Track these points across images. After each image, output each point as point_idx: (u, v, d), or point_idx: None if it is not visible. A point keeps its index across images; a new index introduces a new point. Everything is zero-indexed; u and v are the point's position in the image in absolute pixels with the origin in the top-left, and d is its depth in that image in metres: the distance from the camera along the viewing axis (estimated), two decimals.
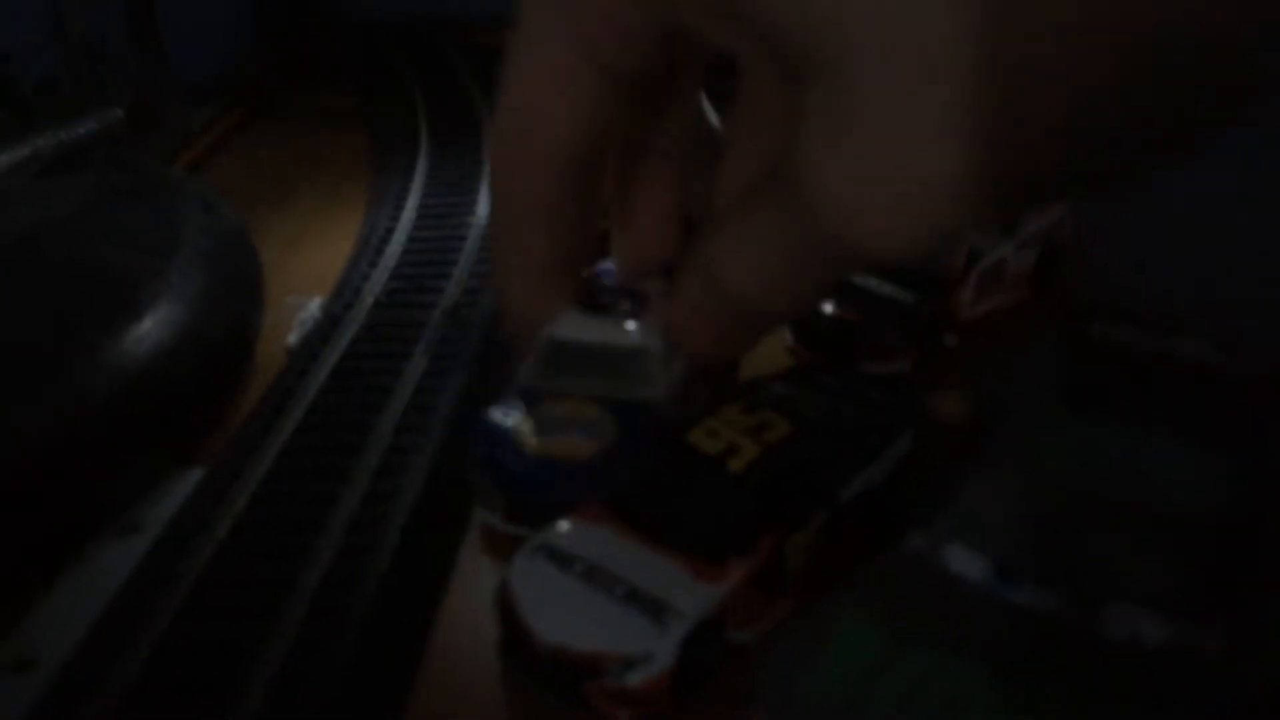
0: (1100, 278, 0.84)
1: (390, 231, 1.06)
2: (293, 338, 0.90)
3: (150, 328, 0.77)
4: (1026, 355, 0.65)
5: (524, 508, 0.66)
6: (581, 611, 0.53)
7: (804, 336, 0.82)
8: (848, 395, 0.67)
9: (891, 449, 0.62)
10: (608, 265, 0.84)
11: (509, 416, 0.68)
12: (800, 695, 0.44)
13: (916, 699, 0.42)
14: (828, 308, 0.81)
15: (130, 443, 0.72)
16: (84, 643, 0.59)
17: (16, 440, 0.66)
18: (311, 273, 1.02)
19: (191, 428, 0.78)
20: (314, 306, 0.94)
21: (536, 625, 0.53)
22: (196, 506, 0.68)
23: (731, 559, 0.54)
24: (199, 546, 0.64)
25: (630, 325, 0.74)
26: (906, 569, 0.49)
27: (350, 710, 0.54)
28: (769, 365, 0.77)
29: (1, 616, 0.62)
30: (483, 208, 1.09)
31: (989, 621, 0.45)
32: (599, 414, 0.68)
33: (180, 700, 0.54)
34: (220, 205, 1.01)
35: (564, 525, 0.58)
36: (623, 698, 0.51)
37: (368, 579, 0.61)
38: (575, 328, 0.74)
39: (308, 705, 0.53)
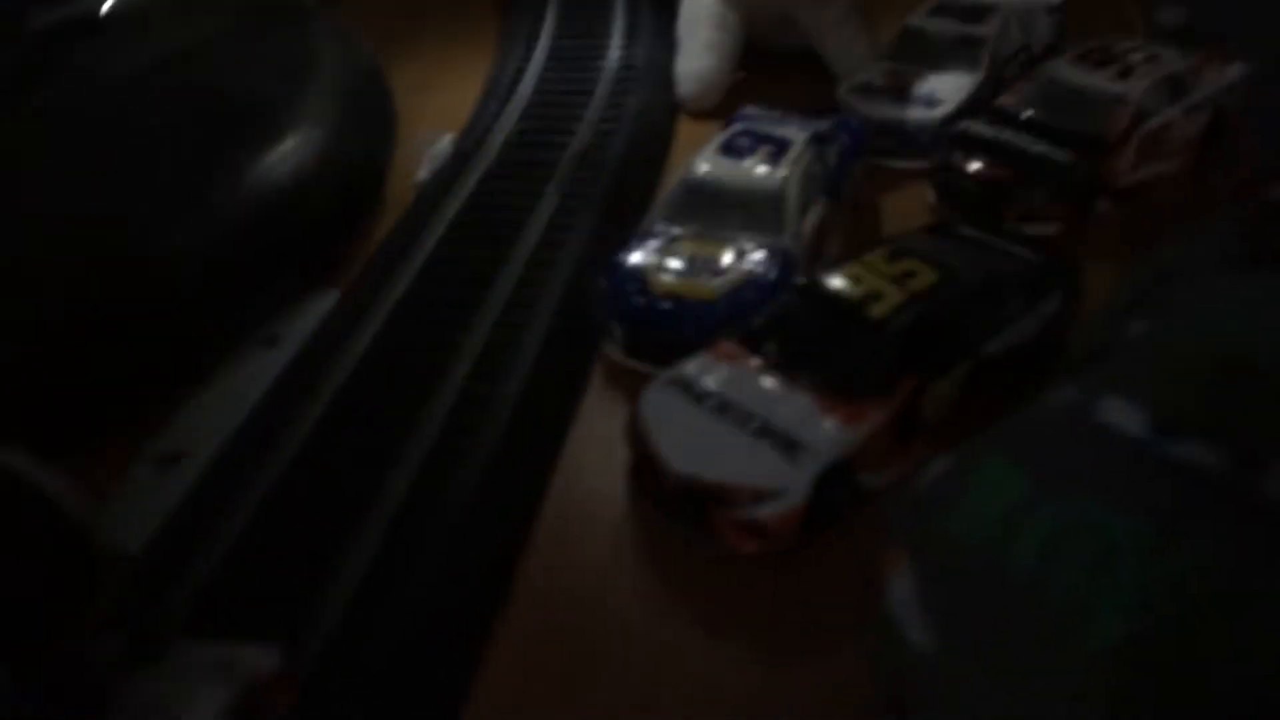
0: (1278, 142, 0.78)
1: (521, 72, 1.04)
2: (423, 172, 0.90)
3: (289, 151, 0.78)
4: (1198, 219, 0.61)
5: (647, 345, 0.65)
6: (713, 443, 0.53)
7: (948, 194, 0.79)
8: (995, 251, 0.64)
9: (1041, 306, 0.60)
10: (747, 111, 0.81)
11: (637, 255, 0.68)
12: (942, 532, 0.43)
13: (1062, 547, 0.41)
14: (975, 164, 0.77)
15: (269, 259, 0.74)
16: (230, 441, 0.62)
17: (164, 255, 0.68)
18: (442, 111, 1.02)
19: (327, 250, 0.80)
20: (445, 143, 0.93)
21: (667, 454, 0.53)
22: (334, 324, 0.70)
23: (869, 402, 0.53)
24: (337, 360, 0.66)
25: (766, 169, 0.72)
26: (1058, 418, 0.47)
27: (483, 517, 0.55)
28: (909, 222, 0.74)
29: (154, 415, 0.65)
30: (614, 53, 1.06)
31: (1144, 475, 0.43)
32: (729, 256, 0.67)
33: (322, 498, 0.56)
34: (354, 37, 1.01)
35: (697, 360, 0.58)
36: (751, 530, 0.51)
37: (501, 400, 0.62)
38: (710, 169, 0.72)
39: (442, 511, 0.55)
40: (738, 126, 0.78)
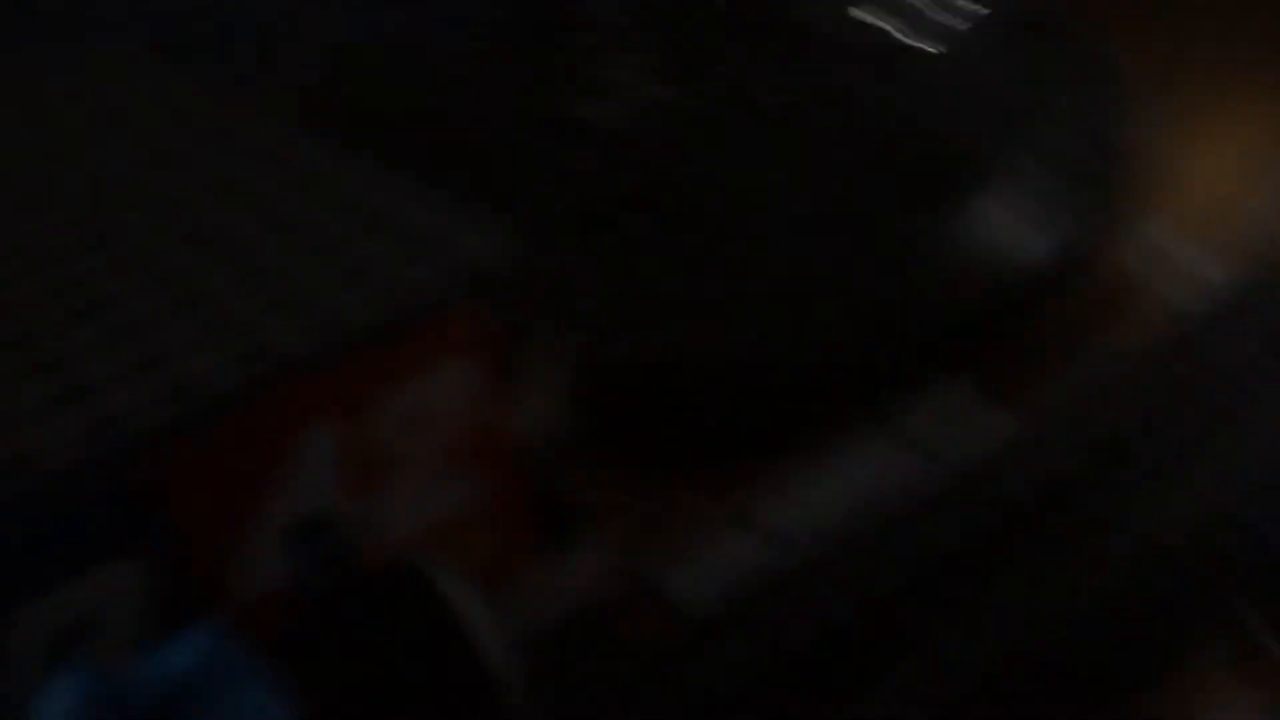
0: None
1: None
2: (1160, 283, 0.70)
3: (991, 207, 0.67)
4: None
5: None
6: None
7: None
8: None
9: None
10: None
11: None
12: None
13: None
14: None
15: (929, 343, 0.64)
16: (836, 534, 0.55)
17: (838, 314, 0.62)
18: (1209, 212, 0.77)
19: (998, 349, 0.67)
20: (1207, 265, 0.71)
21: None
22: (992, 448, 0.59)
23: None
24: (983, 491, 0.57)
25: None
26: None
27: None
28: None
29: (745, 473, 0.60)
30: None
31: None
32: None
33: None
34: (1114, 70, 0.82)
35: None
36: None
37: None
38: None
39: None
40: None
